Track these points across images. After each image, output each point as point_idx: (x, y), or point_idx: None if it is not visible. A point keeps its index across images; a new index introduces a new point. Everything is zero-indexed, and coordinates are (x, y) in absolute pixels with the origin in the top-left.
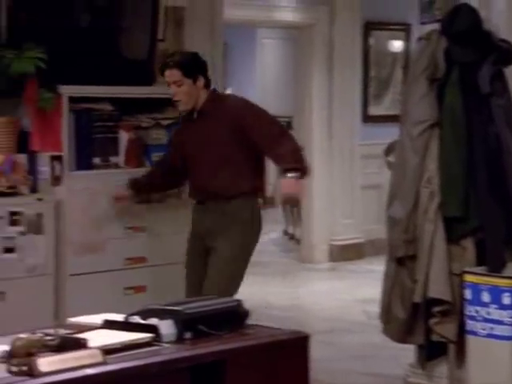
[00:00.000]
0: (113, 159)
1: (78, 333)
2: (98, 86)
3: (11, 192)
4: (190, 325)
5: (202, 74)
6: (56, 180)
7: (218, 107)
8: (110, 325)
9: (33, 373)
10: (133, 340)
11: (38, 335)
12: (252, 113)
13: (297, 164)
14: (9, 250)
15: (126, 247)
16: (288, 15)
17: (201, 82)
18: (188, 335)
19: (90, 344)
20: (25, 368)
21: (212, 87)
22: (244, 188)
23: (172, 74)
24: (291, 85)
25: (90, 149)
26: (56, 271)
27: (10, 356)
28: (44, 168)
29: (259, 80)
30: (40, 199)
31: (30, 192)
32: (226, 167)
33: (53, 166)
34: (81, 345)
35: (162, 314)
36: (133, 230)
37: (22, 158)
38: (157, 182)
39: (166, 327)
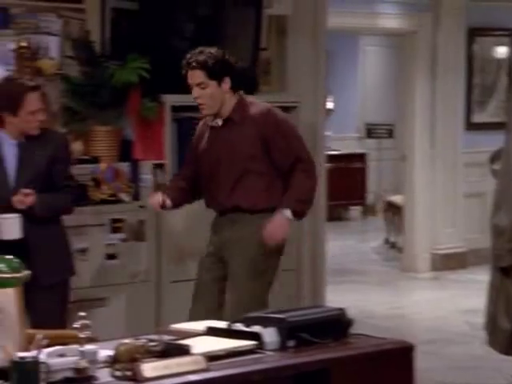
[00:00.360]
0: None
1: (181, 339)
2: None
3: (113, 200)
4: (293, 333)
5: (228, 75)
6: (158, 188)
7: (245, 115)
8: (212, 331)
9: (136, 378)
10: (236, 347)
11: (142, 341)
12: (279, 128)
13: (300, 206)
14: (111, 257)
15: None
16: (391, 22)
17: (227, 84)
18: (291, 343)
19: (193, 350)
20: (129, 373)
21: (239, 91)
22: (265, 203)
23: (194, 76)
24: (393, 92)
25: None
26: (157, 278)
27: (113, 361)
28: (146, 176)
29: (361, 87)
30: (142, 207)
31: (131, 200)
32: (248, 180)
33: (155, 173)
34: (184, 351)
35: (265, 321)
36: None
37: (125, 167)
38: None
39: (270, 335)
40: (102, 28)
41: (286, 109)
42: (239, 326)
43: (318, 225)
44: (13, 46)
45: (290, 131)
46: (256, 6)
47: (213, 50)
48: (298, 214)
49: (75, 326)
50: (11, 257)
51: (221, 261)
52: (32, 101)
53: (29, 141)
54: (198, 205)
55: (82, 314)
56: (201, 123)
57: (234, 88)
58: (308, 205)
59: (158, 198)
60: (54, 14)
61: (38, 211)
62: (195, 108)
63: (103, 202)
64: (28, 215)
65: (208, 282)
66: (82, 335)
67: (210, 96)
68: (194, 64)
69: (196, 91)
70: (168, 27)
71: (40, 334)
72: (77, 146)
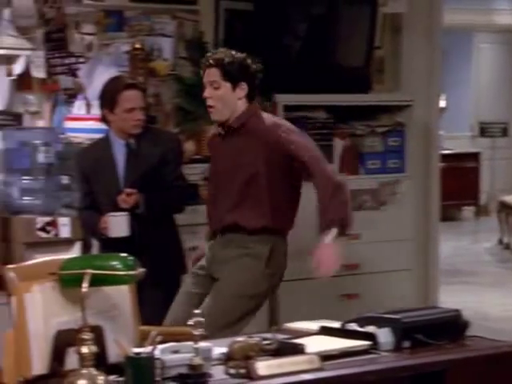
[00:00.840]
0: None
1: (294, 338)
2: (313, 94)
3: None
4: (408, 333)
5: (246, 81)
6: None
7: (253, 125)
8: (326, 331)
9: (251, 376)
10: (350, 347)
11: (256, 339)
12: (291, 136)
13: (339, 215)
14: None
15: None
16: (507, 18)
17: (242, 90)
18: (406, 344)
19: (308, 350)
20: (243, 371)
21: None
22: (268, 223)
23: (210, 73)
24: (507, 90)
25: None
26: None
27: (227, 358)
28: None
29: (474, 85)
30: None
31: None
32: (249, 197)
33: None
34: (298, 350)
35: (379, 321)
36: (346, 237)
37: None
38: None
39: (384, 335)
40: (215, 29)
41: (399, 108)
42: (353, 326)
43: (432, 225)
44: (127, 47)
45: (299, 138)
46: (371, 5)
47: (236, 52)
48: (345, 225)
49: (189, 323)
50: (126, 254)
51: (208, 277)
52: (128, 98)
53: (138, 140)
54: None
55: (196, 311)
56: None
57: (250, 97)
58: (349, 211)
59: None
60: (168, 15)
61: (144, 210)
62: (308, 107)
63: None
64: (137, 214)
65: (189, 293)
66: (196, 332)
67: (220, 98)
68: (210, 61)
69: (208, 90)
70: (281, 27)
71: (154, 330)
72: (189, 146)
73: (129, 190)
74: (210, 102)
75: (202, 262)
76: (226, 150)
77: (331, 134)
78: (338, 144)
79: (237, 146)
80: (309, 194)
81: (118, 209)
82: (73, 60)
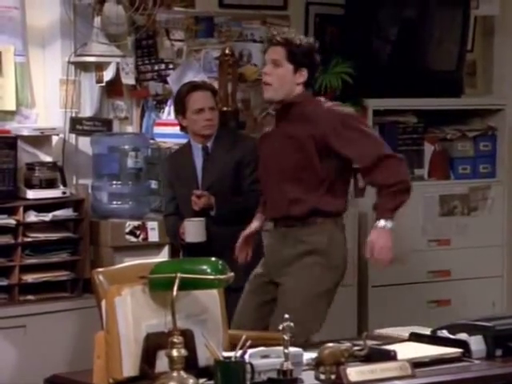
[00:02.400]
0: (417, 172)
1: (385, 344)
2: (403, 98)
3: None
4: (500, 341)
5: (307, 68)
6: (360, 192)
7: (307, 110)
8: (417, 338)
9: (342, 381)
10: (441, 354)
11: (346, 345)
12: (343, 134)
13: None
14: None
15: (429, 260)
16: None
17: (302, 76)
18: (498, 352)
19: (399, 356)
20: (333, 376)
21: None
22: (320, 208)
23: (274, 51)
24: None
25: None
26: (358, 282)
27: (318, 364)
28: None
29: None
30: None
31: None
32: (298, 181)
33: (356, 178)
34: (389, 356)
35: (471, 329)
36: (437, 243)
37: None
38: None
39: (476, 343)
40: (305, 34)
41: (490, 112)
42: (444, 333)
43: None
44: (216, 53)
45: (357, 125)
46: (463, 7)
47: (304, 36)
48: (404, 189)
49: (280, 327)
50: (215, 259)
51: (270, 283)
52: (195, 100)
53: (216, 145)
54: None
55: (286, 316)
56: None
57: (308, 86)
58: (404, 195)
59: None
60: (258, 21)
61: (217, 213)
62: (398, 112)
63: None
64: (213, 218)
65: (251, 307)
66: (286, 337)
67: (280, 77)
68: (278, 39)
69: (268, 67)
70: (372, 31)
71: (244, 334)
72: None
73: (198, 192)
74: (267, 79)
75: (260, 269)
76: (278, 136)
77: (421, 139)
78: (429, 149)
79: (289, 132)
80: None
81: (197, 214)
82: (162, 66)
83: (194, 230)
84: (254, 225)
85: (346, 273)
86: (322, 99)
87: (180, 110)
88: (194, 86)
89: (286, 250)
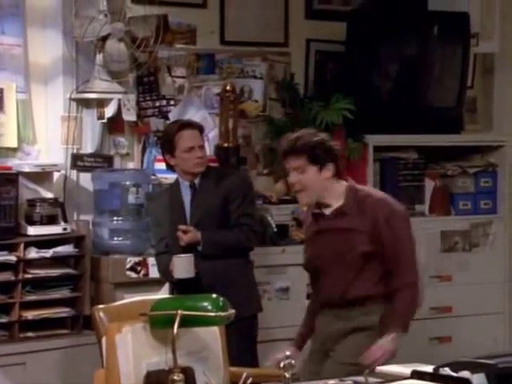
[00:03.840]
0: (418, 207)
1: (387, 382)
2: (404, 134)
3: None
4: (503, 380)
5: (331, 161)
6: None
7: (358, 206)
8: (419, 375)
9: None
10: None
11: (348, 382)
12: (394, 226)
13: (401, 322)
14: None
15: (430, 296)
16: None
17: (329, 171)
18: None
19: None
20: None
21: (349, 181)
22: (372, 291)
23: (293, 160)
24: None
25: (396, 197)
26: None
27: None
28: None
29: None
30: None
31: None
32: (352, 269)
33: None
34: None
35: (474, 367)
36: (438, 280)
37: None
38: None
39: (479, 381)
40: (305, 70)
41: (491, 148)
42: (446, 371)
43: None
44: (217, 90)
45: (401, 228)
46: (463, 45)
47: (313, 133)
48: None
49: (280, 365)
50: (215, 295)
51: (326, 355)
52: (185, 138)
53: (203, 181)
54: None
55: (288, 353)
56: (307, 212)
57: (338, 175)
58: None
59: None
60: (259, 57)
61: (203, 248)
62: (399, 148)
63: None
64: (201, 253)
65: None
66: (287, 375)
67: (308, 182)
68: (295, 148)
69: (293, 175)
70: (373, 68)
71: (245, 372)
72: (279, 187)
73: (184, 227)
74: (296, 187)
75: (314, 346)
76: (331, 231)
77: (422, 175)
78: (429, 184)
79: (345, 228)
80: None
81: (185, 250)
82: (164, 102)
83: (182, 266)
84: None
85: None
86: (361, 186)
87: (168, 149)
88: (182, 125)
89: (340, 325)
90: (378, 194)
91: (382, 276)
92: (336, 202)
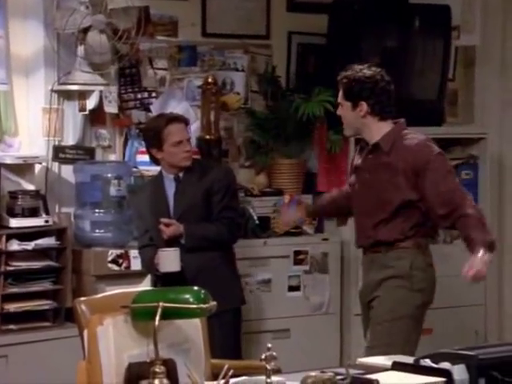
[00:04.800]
0: None
1: (368, 373)
2: None
3: (297, 232)
4: (483, 371)
5: (365, 100)
6: (342, 220)
7: (395, 146)
8: (399, 367)
9: None
10: (424, 383)
11: (329, 374)
12: (435, 166)
13: (486, 238)
14: (294, 289)
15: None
16: None
17: (362, 110)
18: (482, 381)
19: None
20: None
21: (400, 120)
22: (402, 237)
23: (339, 93)
24: None
25: None
26: (341, 310)
27: None
28: None
29: None
30: (325, 239)
31: (315, 232)
32: (385, 212)
33: None
34: None
35: (454, 358)
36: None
37: (308, 199)
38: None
39: (459, 372)
40: (287, 63)
41: (472, 140)
42: (427, 362)
43: (505, 259)
44: (199, 82)
45: (442, 171)
46: (444, 38)
47: (366, 67)
48: (491, 246)
49: (262, 357)
50: (197, 288)
51: (367, 306)
52: (173, 132)
53: (186, 174)
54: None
55: (269, 345)
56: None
57: (382, 114)
58: (491, 234)
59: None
60: (240, 50)
61: (186, 241)
62: None
63: (287, 234)
64: (184, 246)
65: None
66: (268, 366)
67: (344, 117)
68: (338, 80)
69: (338, 109)
70: (354, 60)
71: (226, 364)
72: (260, 179)
73: (166, 221)
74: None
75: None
76: (366, 168)
77: None
78: None
79: (378, 165)
80: None
81: (168, 243)
82: (145, 95)
83: (167, 260)
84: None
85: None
86: (409, 130)
87: (155, 143)
88: (170, 119)
89: (372, 274)
90: (420, 137)
91: (418, 224)
92: (377, 139)
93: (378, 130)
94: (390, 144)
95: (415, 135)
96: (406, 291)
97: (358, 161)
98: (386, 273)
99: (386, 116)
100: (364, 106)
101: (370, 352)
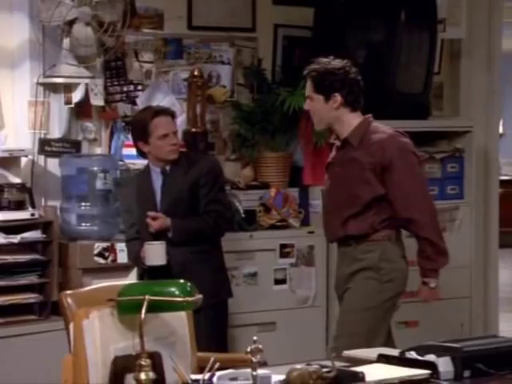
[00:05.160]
0: None
1: (353, 366)
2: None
3: (283, 225)
4: (468, 363)
5: (338, 91)
6: None
7: (364, 140)
8: (385, 359)
9: None
10: (409, 376)
11: (314, 367)
12: (402, 162)
13: (438, 264)
14: (280, 282)
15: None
16: None
17: (336, 102)
18: (466, 374)
19: (367, 378)
20: None
21: (368, 116)
22: (371, 230)
23: (307, 87)
24: None
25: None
26: (327, 303)
27: None
28: (316, 201)
29: None
30: (311, 232)
31: (300, 225)
32: (356, 206)
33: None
34: (358, 378)
35: (439, 350)
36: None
37: (294, 192)
38: None
39: (444, 364)
40: (273, 56)
41: (458, 134)
42: (412, 355)
43: (491, 252)
44: (185, 75)
45: (412, 164)
46: (430, 31)
47: (332, 59)
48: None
49: (248, 349)
50: (183, 281)
51: (341, 298)
52: (159, 125)
53: (174, 167)
54: None
55: (255, 338)
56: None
57: (354, 105)
58: (445, 252)
59: None
60: (226, 43)
61: (173, 235)
62: None
63: (272, 227)
64: (171, 240)
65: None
66: (254, 359)
67: (314, 111)
68: (306, 74)
69: (306, 102)
70: (340, 53)
71: (212, 356)
72: (246, 172)
73: (152, 214)
74: (311, 114)
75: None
76: (337, 162)
77: None
78: None
79: (348, 159)
80: None
81: (155, 237)
82: (131, 88)
83: (154, 254)
84: None
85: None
86: (377, 123)
87: (142, 136)
88: (156, 112)
89: (344, 268)
90: (388, 131)
91: (389, 217)
92: (347, 133)
93: (348, 121)
94: (358, 139)
95: (383, 129)
96: (376, 283)
97: (330, 159)
98: (357, 265)
99: (356, 107)
100: (338, 97)
101: (335, 341)
